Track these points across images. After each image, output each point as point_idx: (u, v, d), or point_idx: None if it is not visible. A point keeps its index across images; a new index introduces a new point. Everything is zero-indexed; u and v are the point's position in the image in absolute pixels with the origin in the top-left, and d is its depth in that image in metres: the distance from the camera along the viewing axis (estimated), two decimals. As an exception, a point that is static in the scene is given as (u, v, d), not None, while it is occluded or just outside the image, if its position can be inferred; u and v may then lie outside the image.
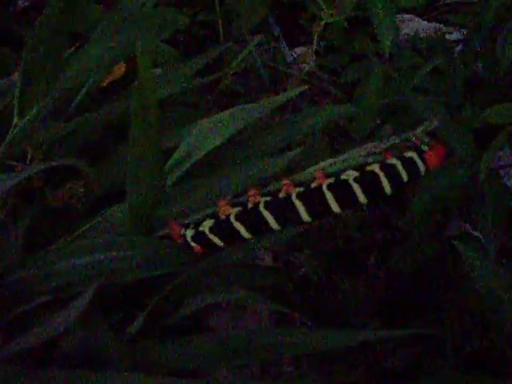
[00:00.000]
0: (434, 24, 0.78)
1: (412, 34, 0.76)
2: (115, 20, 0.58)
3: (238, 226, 0.50)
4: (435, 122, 0.48)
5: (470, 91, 0.73)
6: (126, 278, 0.51)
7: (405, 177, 0.48)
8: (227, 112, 0.53)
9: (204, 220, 0.52)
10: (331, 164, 0.49)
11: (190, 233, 0.52)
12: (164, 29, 0.69)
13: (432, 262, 0.67)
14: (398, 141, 0.49)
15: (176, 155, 0.53)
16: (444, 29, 0.77)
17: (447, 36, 0.76)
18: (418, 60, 0.73)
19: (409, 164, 0.48)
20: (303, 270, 0.68)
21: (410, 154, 0.48)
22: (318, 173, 0.49)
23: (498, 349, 0.60)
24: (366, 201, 0.48)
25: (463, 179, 0.68)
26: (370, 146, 0.49)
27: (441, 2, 0.83)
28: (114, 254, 0.52)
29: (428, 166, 0.48)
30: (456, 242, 0.59)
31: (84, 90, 0.57)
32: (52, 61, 0.55)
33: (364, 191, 0.48)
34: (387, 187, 0.48)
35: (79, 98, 0.57)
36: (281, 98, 0.54)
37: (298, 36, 0.76)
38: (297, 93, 0.55)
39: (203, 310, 0.56)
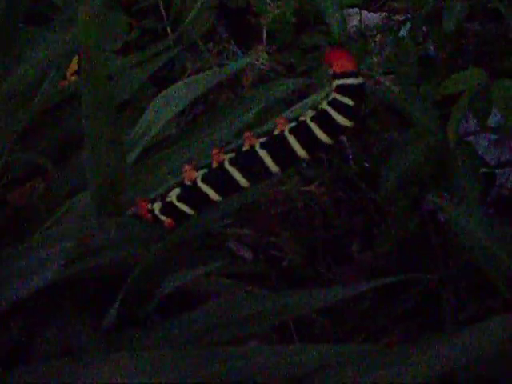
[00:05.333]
0: (379, 14, 0.80)
1: (360, 25, 0.77)
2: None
3: (205, 188, 0.48)
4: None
5: (425, 69, 0.74)
6: (96, 262, 0.49)
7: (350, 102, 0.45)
8: (178, 84, 0.52)
9: (170, 190, 0.50)
10: (292, 111, 0.49)
11: (157, 206, 0.50)
12: (117, 39, 0.69)
13: (414, 236, 0.65)
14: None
15: (135, 131, 0.51)
16: (391, 16, 0.79)
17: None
18: (368, 46, 0.74)
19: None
20: (285, 263, 0.66)
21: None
22: (279, 119, 0.48)
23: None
24: (328, 139, 0.46)
25: (434, 150, 0.67)
26: (329, 89, 0.48)
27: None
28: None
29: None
30: (432, 196, 0.58)
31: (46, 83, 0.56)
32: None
33: (322, 129, 0.46)
34: (340, 119, 0.46)
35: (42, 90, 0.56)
36: (228, 69, 0.53)
37: (250, 41, 0.77)
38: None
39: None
